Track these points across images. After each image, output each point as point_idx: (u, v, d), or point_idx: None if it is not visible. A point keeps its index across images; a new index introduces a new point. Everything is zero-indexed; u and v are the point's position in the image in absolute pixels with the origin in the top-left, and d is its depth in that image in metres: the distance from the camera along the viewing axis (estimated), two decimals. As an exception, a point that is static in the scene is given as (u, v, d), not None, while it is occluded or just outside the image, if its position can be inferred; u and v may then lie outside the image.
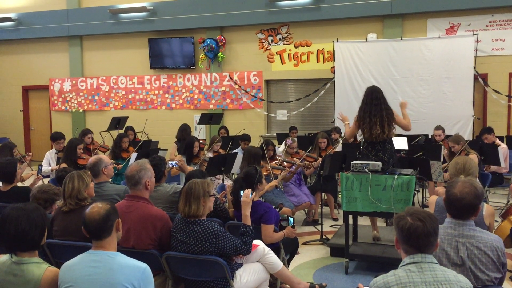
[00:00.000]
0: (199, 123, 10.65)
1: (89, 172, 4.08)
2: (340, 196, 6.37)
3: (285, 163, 6.56)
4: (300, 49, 11.38)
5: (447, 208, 2.83)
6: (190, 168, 5.94)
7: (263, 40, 11.64)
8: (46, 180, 6.69)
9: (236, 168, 6.67)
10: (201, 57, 11.86)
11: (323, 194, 7.12)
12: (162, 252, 3.48)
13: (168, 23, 12.00)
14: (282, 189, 6.65)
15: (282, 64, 11.54)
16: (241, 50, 11.82)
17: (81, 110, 13.36)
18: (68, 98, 13.41)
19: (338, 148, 7.71)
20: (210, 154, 7.05)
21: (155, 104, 12.68)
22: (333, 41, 10.58)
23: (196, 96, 12.29)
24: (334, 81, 10.65)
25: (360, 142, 8.12)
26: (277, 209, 4.52)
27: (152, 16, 12.12)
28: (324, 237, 6.14)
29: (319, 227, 6.32)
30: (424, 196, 7.51)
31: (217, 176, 6.62)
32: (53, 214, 3.78)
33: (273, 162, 6.52)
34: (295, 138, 7.50)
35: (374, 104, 5.29)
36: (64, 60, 13.37)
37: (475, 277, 2.69)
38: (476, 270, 2.69)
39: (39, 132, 14.12)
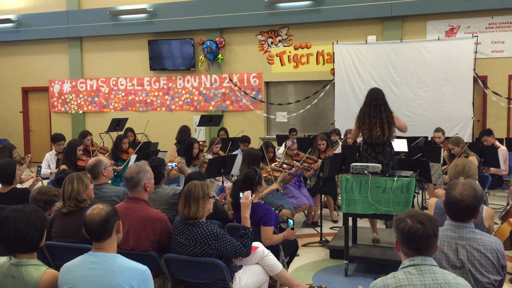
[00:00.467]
0: (199, 125, 10.66)
1: (88, 173, 4.07)
2: (339, 198, 6.36)
3: (284, 165, 6.55)
4: (300, 51, 11.38)
5: (447, 210, 2.82)
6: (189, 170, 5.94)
7: (263, 42, 11.64)
8: (45, 182, 6.70)
9: (235, 170, 6.67)
10: (201, 59, 11.87)
11: (323, 196, 7.12)
12: (162, 254, 3.48)
13: (168, 24, 12.01)
14: (281, 191, 6.65)
15: (282, 66, 11.55)
16: (241, 52, 11.83)
17: (80, 112, 13.36)
18: (68, 100, 13.41)
19: (338, 150, 7.71)
20: (209, 156, 7.05)
21: (155, 106, 12.69)
22: (332, 43, 10.59)
23: (195, 98, 12.30)
24: (333, 83, 10.66)
25: (360, 144, 8.12)
26: (277, 211, 4.51)
27: (152, 18, 12.14)
28: (323, 239, 6.14)
29: (318, 229, 6.31)
30: (424, 198, 7.51)
31: (217, 178, 6.62)
32: (52, 215, 3.78)
33: (273, 164, 6.52)
34: (295, 140, 7.50)
35: (374, 105, 5.29)
36: (64, 61, 13.38)
37: (475, 280, 2.68)
38: (476, 273, 2.69)
39: (39, 133, 14.11)
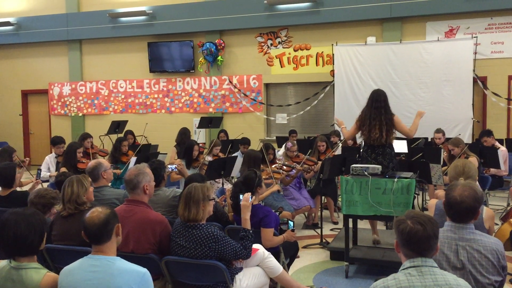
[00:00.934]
0: (199, 127, 10.64)
1: (88, 176, 4.07)
2: (340, 199, 6.36)
3: (285, 167, 6.55)
4: (300, 52, 11.39)
5: (447, 212, 2.82)
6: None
7: (263, 44, 11.65)
8: (45, 185, 6.69)
9: (236, 172, 6.67)
10: (201, 61, 11.87)
11: (323, 197, 7.12)
12: (162, 256, 3.47)
13: (167, 27, 12.02)
14: (282, 193, 6.65)
15: (281, 67, 11.56)
16: (241, 53, 11.83)
17: (80, 114, 13.36)
18: (68, 102, 13.41)
19: (338, 151, 7.71)
20: (209, 158, 7.05)
21: (155, 108, 12.69)
22: (332, 44, 10.60)
23: (195, 100, 12.30)
24: (333, 84, 10.66)
25: (360, 145, 8.12)
26: (277, 213, 4.52)
27: (152, 20, 12.14)
28: (324, 240, 6.13)
29: (319, 230, 6.31)
30: (424, 199, 7.51)
31: (217, 180, 6.61)
32: (52, 218, 3.77)
33: (273, 166, 6.51)
34: (295, 142, 7.49)
35: (374, 107, 5.30)
36: (63, 64, 13.38)
37: (475, 281, 2.68)
38: (476, 274, 2.68)
39: (39, 136, 14.11)
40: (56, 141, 7.29)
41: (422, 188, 7.46)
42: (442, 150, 7.29)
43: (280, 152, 7.99)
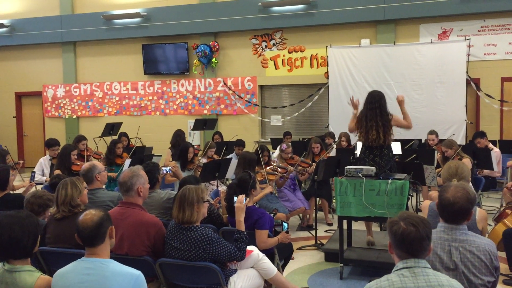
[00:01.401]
0: (193, 129, 10.65)
1: (82, 178, 4.06)
2: (334, 201, 6.37)
3: (279, 169, 6.56)
4: (294, 54, 11.41)
5: (440, 213, 2.84)
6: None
7: (257, 46, 11.67)
8: (39, 187, 6.66)
9: (230, 174, 6.67)
10: (195, 63, 11.87)
11: (318, 199, 7.13)
12: (156, 258, 3.47)
13: (161, 29, 12.01)
14: (276, 195, 6.65)
15: (276, 69, 11.58)
16: (235, 55, 11.85)
17: (74, 116, 13.32)
18: (62, 104, 13.37)
19: (332, 153, 7.73)
20: (204, 160, 7.04)
21: (149, 110, 12.67)
22: (326, 46, 10.63)
23: (190, 102, 12.29)
24: (327, 86, 10.69)
25: (354, 146, 8.14)
26: (272, 215, 4.52)
27: (146, 22, 12.13)
28: (318, 242, 6.14)
29: (313, 232, 6.32)
30: (418, 201, 7.53)
31: (211, 182, 6.61)
32: (46, 220, 3.76)
33: (268, 168, 6.52)
34: (290, 143, 7.50)
35: (369, 108, 5.32)
36: (57, 66, 13.34)
37: (468, 281, 2.70)
38: (469, 274, 2.70)
39: (33, 138, 14.05)
40: (51, 143, 7.27)
41: (416, 190, 7.49)
42: (436, 151, 7.32)
43: (275, 154, 8.00)
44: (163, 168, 5.81)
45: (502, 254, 4.73)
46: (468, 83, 9.76)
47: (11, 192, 5.09)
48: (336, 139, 8.70)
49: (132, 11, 12.11)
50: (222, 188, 6.26)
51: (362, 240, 5.68)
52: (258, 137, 11.73)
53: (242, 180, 4.31)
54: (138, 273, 2.58)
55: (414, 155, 7.09)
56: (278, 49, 11.53)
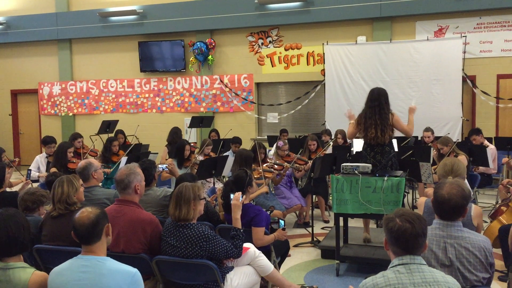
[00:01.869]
0: (190, 126, 10.65)
1: (78, 176, 4.05)
2: (331, 198, 6.38)
3: (276, 166, 6.57)
4: (291, 51, 11.41)
5: (435, 209, 2.85)
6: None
7: (253, 43, 11.66)
8: (35, 185, 6.65)
9: (227, 171, 6.67)
10: (191, 60, 11.86)
11: (314, 196, 7.14)
12: (153, 256, 3.47)
13: (158, 26, 11.99)
14: (273, 192, 6.66)
15: (272, 66, 11.57)
16: (231, 53, 11.83)
17: (70, 114, 13.28)
18: (58, 102, 13.33)
19: (329, 150, 7.74)
20: (200, 157, 7.04)
21: (146, 108, 12.65)
22: (323, 43, 10.63)
23: (186, 99, 12.28)
24: (324, 83, 10.69)
25: (350, 144, 8.16)
26: (268, 212, 4.52)
27: (142, 19, 12.10)
28: (315, 239, 6.16)
29: (310, 229, 6.33)
30: (414, 198, 7.55)
31: (208, 179, 6.62)
32: (43, 217, 3.76)
33: (264, 165, 6.53)
34: (286, 141, 7.51)
35: (370, 106, 5.33)
36: (53, 63, 13.30)
37: (463, 278, 2.71)
38: (464, 271, 2.71)
39: (28, 136, 14.01)
40: (47, 141, 7.25)
41: (412, 187, 7.51)
42: (432, 148, 7.34)
43: (272, 151, 8.00)
44: (160, 166, 5.80)
45: (498, 251, 4.75)
46: (464, 80, 9.79)
47: (7, 189, 5.08)
48: (333, 137, 8.70)
49: (128, 9, 12.07)
50: (219, 186, 6.27)
51: (358, 237, 5.70)
52: (255, 134, 11.73)
53: (238, 177, 4.31)
54: (134, 270, 2.58)
55: (410, 152, 7.11)
56: (274, 47, 11.52)
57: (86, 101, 13.12)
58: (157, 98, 12.53)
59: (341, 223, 5.30)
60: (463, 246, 2.74)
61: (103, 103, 12.99)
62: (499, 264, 4.83)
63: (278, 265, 4.48)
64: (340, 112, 10.35)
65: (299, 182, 8.02)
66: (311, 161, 6.80)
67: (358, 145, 7.47)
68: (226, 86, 11.86)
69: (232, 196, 3.94)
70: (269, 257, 4.07)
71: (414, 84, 10.01)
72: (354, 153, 7.28)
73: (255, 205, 4.38)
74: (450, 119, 9.78)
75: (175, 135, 8.43)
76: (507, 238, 3.94)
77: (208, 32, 11.77)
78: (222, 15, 11.48)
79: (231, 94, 11.84)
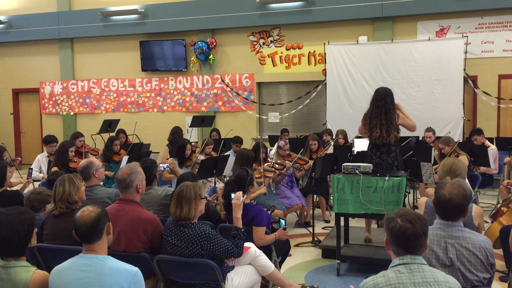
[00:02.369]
0: (191, 126, 10.65)
1: (80, 175, 4.06)
2: (331, 198, 6.38)
3: (277, 166, 6.57)
4: (292, 51, 11.41)
5: (436, 209, 2.85)
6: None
7: (255, 43, 11.66)
8: (36, 184, 6.66)
9: (228, 170, 6.68)
10: (193, 60, 11.86)
11: (315, 196, 7.14)
12: (154, 255, 3.47)
13: (159, 25, 11.99)
14: (274, 191, 6.66)
15: (273, 66, 11.57)
16: (233, 52, 11.83)
17: (72, 113, 13.30)
18: (59, 101, 13.34)
19: (330, 150, 7.74)
20: (202, 157, 7.04)
21: (147, 107, 12.66)
22: (324, 43, 10.62)
23: (187, 99, 12.28)
24: (325, 83, 10.69)
25: (351, 144, 8.16)
26: (269, 211, 4.53)
27: (144, 19, 12.11)
28: (316, 239, 6.16)
29: (311, 229, 6.33)
30: (415, 198, 7.55)
31: (209, 179, 6.62)
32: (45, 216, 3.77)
33: (265, 165, 6.53)
34: (287, 140, 7.51)
35: (376, 106, 5.32)
36: (55, 62, 13.31)
37: (464, 278, 2.71)
38: (465, 271, 2.72)
39: (30, 135, 14.03)
40: (49, 140, 7.26)
41: (413, 187, 7.51)
42: (433, 148, 7.34)
43: (273, 151, 8.00)
44: (161, 165, 5.81)
45: (498, 251, 4.75)
46: (465, 80, 9.77)
47: (8, 188, 5.08)
48: (334, 136, 8.70)
49: (130, 8, 12.08)
50: (220, 185, 6.27)
51: (359, 237, 5.70)
52: (256, 134, 11.73)
53: (239, 177, 4.32)
54: (135, 269, 2.59)
55: (411, 152, 7.11)
56: (276, 46, 11.52)
57: (87, 100, 13.13)
58: (158, 98, 12.54)
59: (342, 223, 5.31)
60: (464, 246, 2.74)
61: (105, 102, 12.99)
62: (499, 264, 4.83)
63: (279, 265, 4.48)
64: (341, 112, 10.38)
65: (300, 182, 8.02)
66: (312, 160, 6.80)
67: (359, 145, 7.48)
68: (227, 86, 11.86)
69: (233, 195, 3.95)
70: (270, 257, 4.07)
71: (416, 84, 10.00)
72: (355, 153, 7.28)
73: (256, 205, 4.38)
74: (451, 119, 9.77)
75: (176, 134, 8.44)
76: (508, 239, 3.94)
77: (209, 32, 11.78)
78: (223, 15, 11.48)
79: (232, 93, 11.84)
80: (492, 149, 7.63)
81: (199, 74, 12.07)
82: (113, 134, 9.22)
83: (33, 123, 13.95)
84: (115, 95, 12.88)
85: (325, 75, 10.71)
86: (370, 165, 5.00)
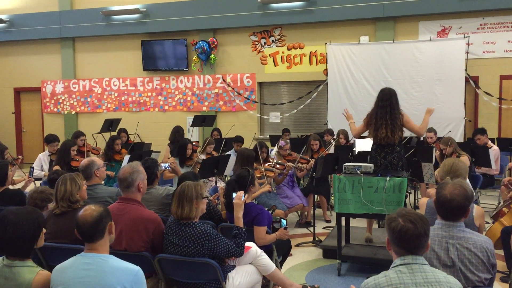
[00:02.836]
0: (192, 125, 10.65)
1: (81, 174, 4.07)
2: (332, 198, 6.38)
3: (278, 165, 6.57)
4: (293, 51, 11.41)
5: (437, 210, 2.85)
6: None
7: (256, 42, 11.66)
8: (38, 183, 6.67)
9: (229, 170, 6.68)
10: (194, 59, 11.87)
11: (316, 196, 7.14)
12: (155, 254, 3.48)
13: (161, 25, 12.00)
14: (275, 191, 6.66)
15: (275, 66, 11.57)
16: (234, 52, 11.84)
17: (73, 112, 13.31)
18: (61, 100, 13.35)
19: (331, 150, 7.74)
20: (203, 156, 7.05)
21: (148, 106, 12.67)
22: (325, 43, 10.62)
23: (189, 98, 12.29)
24: (326, 83, 10.69)
25: (352, 144, 8.16)
26: (270, 211, 4.53)
27: (145, 18, 12.12)
28: (316, 239, 6.16)
29: (311, 229, 6.33)
30: (416, 198, 7.55)
31: (210, 178, 6.62)
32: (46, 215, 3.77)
33: (266, 164, 6.53)
34: (288, 140, 7.51)
35: (381, 106, 5.31)
36: (56, 62, 13.32)
37: (465, 278, 2.71)
38: (466, 271, 2.71)
39: (31, 134, 14.04)
40: (50, 139, 7.27)
41: (414, 187, 7.50)
42: (434, 149, 7.33)
43: (274, 151, 8.00)
44: (162, 164, 5.82)
45: (500, 252, 4.75)
46: (466, 80, 9.77)
47: (10, 187, 5.09)
48: (335, 136, 8.70)
49: (131, 7, 12.08)
50: (221, 185, 6.27)
51: (360, 237, 5.70)
52: (257, 134, 11.73)
53: (240, 176, 4.32)
54: (137, 268, 2.59)
55: (412, 151, 7.11)
56: (277, 46, 11.52)
57: (88, 99, 13.14)
58: (159, 97, 12.55)
59: (343, 223, 5.31)
60: (465, 246, 2.74)
61: (106, 101, 13.01)
62: (501, 265, 4.83)
63: (279, 264, 4.48)
64: (342, 112, 10.35)
65: (301, 182, 8.02)
66: (313, 160, 6.80)
67: (360, 145, 7.48)
68: (228, 85, 11.86)
69: (234, 195, 3.95)
70: (270, 256, 4.08)
71: (417, 84, 10.00)
72: (356, 153, 7.28)
73: (257, 204, 4.38)
74: (452, 119, 9.76)
75: (177, 134, 8.44)
76: (509, 239, 3.94)
77: (210, 31, 11.78)
78: (224, 14, 11.48)
79: (233, 93, 11.85)
80: (494, 149, 7.62)
81: (201, 73, 12.07)
82: (115, 133, 9.23)
83: (35, 122, 13.96)
84: (116, 95, 12.89)
85: (327, 75, 10.71)
86: (371, 165, 5.00)
